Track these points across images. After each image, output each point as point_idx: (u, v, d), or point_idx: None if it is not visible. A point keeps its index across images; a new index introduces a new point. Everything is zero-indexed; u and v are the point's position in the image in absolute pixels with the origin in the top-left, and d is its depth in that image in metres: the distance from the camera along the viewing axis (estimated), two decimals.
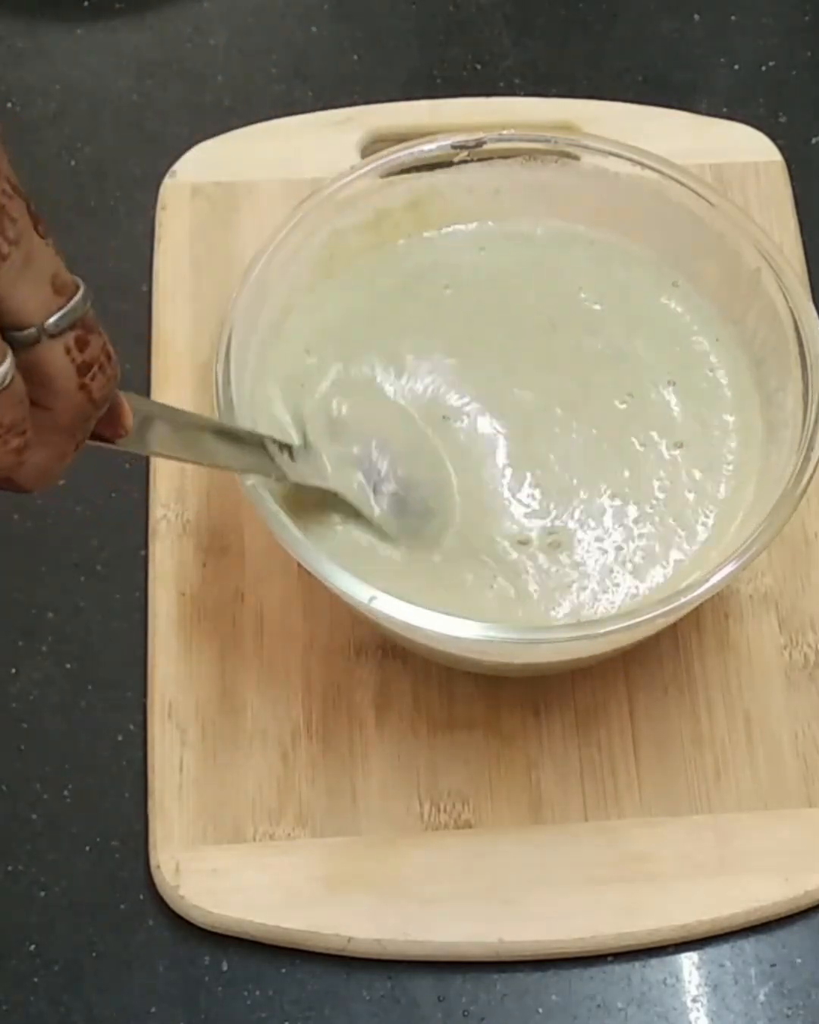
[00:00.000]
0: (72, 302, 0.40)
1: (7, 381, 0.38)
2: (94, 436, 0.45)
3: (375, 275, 0.63)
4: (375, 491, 0.58)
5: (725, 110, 0.74)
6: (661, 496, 0.59)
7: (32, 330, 0.39)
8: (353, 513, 0.58)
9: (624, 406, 0.60)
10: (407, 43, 0.77)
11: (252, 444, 0.54)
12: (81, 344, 0.40)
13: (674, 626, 0.61)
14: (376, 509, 0.58)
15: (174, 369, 0.66)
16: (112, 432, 0.45)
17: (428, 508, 0.58)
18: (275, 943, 0.58)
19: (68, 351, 0.40)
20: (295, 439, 0.58)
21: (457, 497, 0.59)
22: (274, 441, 0.55)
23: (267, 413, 0.59)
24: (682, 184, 0.60)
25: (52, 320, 0.39)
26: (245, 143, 0.72)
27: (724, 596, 0.62)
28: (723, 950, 0.58)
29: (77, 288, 0.40)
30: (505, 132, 0.62)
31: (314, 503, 0.57)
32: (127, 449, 0.48)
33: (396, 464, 0.58)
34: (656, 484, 0.59)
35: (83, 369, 0.41)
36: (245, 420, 0.56)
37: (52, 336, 0.39)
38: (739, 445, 0.60)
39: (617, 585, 0.57)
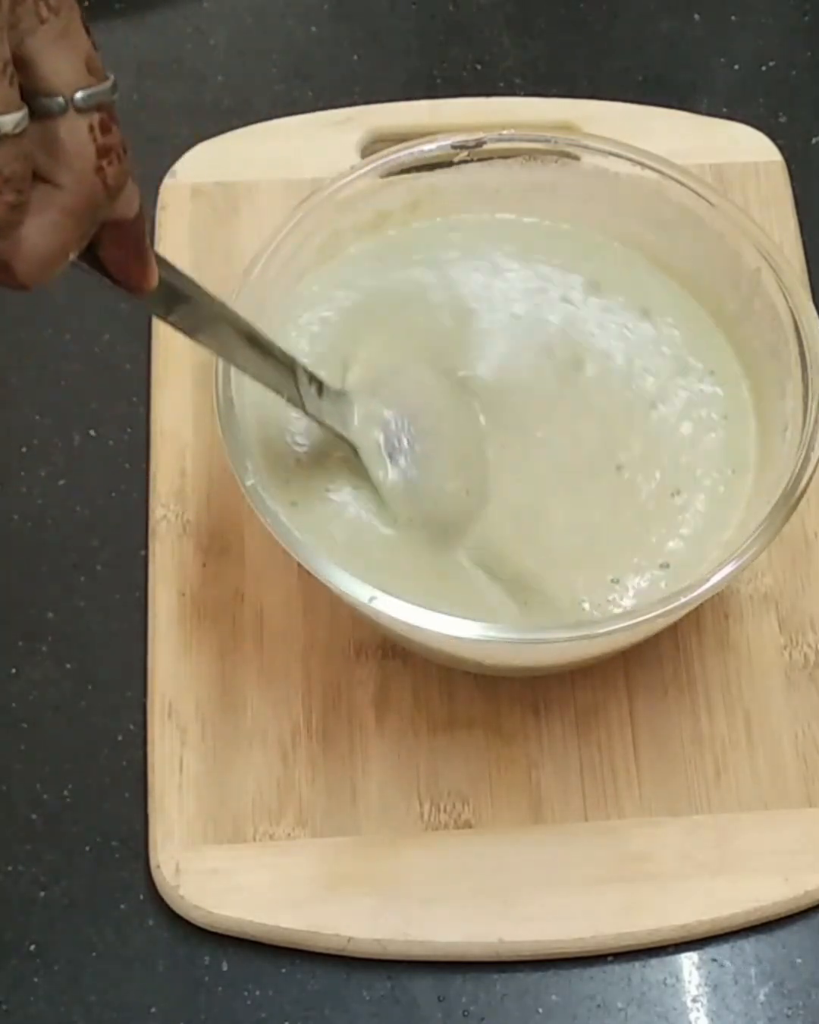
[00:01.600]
0: (103, 85, 0.41)
1: (16, 130, 0.38)
2: (119, 282, 0.45)
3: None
4: (391, 460, 0.57)
5: (725, 110, 0.74)
6: (662, 495, 0.59)
7: (59, 99, 0.40)
8: (358, 479, 0.57)
9: (623, 407, 0.60)
10: (407, 43, 0.77)
11: (282, 364, 0.54)
12: (104, 127, 0.41)
13: (674, 626, 0.61)
14: (387, 475, 0.57)
15: (174, 369, 0.66)
16: (135, 279, 0.45)
17: (444, 499, 0.58)
18: (275, 943, 0.58)
19: (91, 130, 0.40)
20: (332, 382, 0.57)
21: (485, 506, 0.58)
22: (307, 371, 0.55)
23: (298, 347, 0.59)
24: (682, 184, 0.60)
25: (80, 95, 0.40)
26: (245, 143, 0.72)
27: (724, 596, 0.62)
28: (723, 950, 0.58)
29: (109, 77, 0.41)
30: (505, 132, 0.62)
31: (319, 466, 0.57)
32: (151, 310, 0.49)
33: (422, 439, 0.58)
34: (657, 482, 0.59)
35: (102, 152, 0.41)
36: (247, 418, 0.56)
37: (78, 111, 0.40)
38: (738, 444, 0.60)
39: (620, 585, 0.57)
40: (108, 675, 0.62)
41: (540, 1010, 0.57)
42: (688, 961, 0.58)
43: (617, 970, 0.58)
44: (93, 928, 0.58)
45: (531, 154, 0.62)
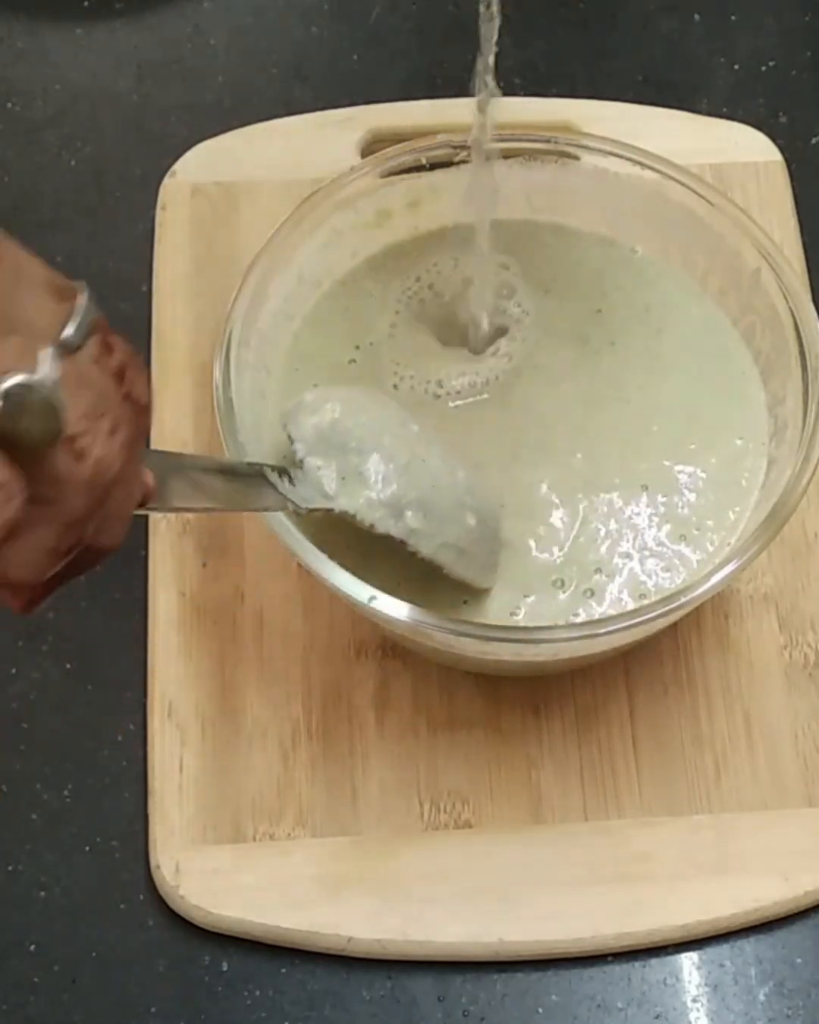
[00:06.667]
0: (79, 301, 0.36)
1: None
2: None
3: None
4: (397, 509, 0.53)
5: (725, 110, 0.74)
6: (666, 496, 0.59)
7: (49, 351, 0.35)
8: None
9: (631, 404, 0.60)
10: (407, 43, 0.77)
11: (253, 476, 0.50)
12: (106, 348, 0.36)
13: (674, 626, 0.61)
14: (401, 525, 0.53)
15: (174, 369, 0.66)
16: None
17: (465, 517, 0.54)
18: (275, 943, 0.58)
19: (96, 361, 0.36)
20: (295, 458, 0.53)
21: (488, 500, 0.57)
22: (273, 468, 0.51)
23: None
24: (682, 184, 0.60)
25: (69, 330, 0.35)
26: (245, 143, 0.72)
27: (724, 596, 0.62)
28: (723, 950, 0.58)
29: (80, 290, 0.36)
30: (505, 132, 0.62)
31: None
32: (153, 511, 0.44)
33: (406, 474, 0.53)
34: (658, 483, 0.59)
35: (117, 374, 0.36)
36: (246, 423, 0.56)
37: (73, 350, 0.35)
38: (740, 445, 0.60)
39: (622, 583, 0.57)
40: (108, 675, 0.62)
41: (540, 1010, 0.57)
42: (688, 961, 0.58)
43: (617, 970, 0.58)
44: (93, 928, 0.58)
45: (531, 154, 0.62)
